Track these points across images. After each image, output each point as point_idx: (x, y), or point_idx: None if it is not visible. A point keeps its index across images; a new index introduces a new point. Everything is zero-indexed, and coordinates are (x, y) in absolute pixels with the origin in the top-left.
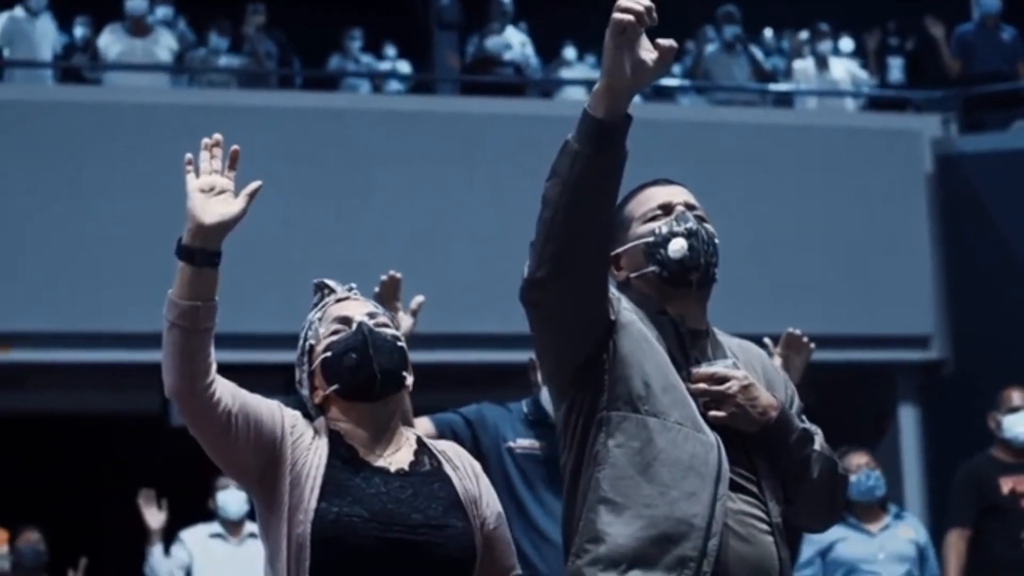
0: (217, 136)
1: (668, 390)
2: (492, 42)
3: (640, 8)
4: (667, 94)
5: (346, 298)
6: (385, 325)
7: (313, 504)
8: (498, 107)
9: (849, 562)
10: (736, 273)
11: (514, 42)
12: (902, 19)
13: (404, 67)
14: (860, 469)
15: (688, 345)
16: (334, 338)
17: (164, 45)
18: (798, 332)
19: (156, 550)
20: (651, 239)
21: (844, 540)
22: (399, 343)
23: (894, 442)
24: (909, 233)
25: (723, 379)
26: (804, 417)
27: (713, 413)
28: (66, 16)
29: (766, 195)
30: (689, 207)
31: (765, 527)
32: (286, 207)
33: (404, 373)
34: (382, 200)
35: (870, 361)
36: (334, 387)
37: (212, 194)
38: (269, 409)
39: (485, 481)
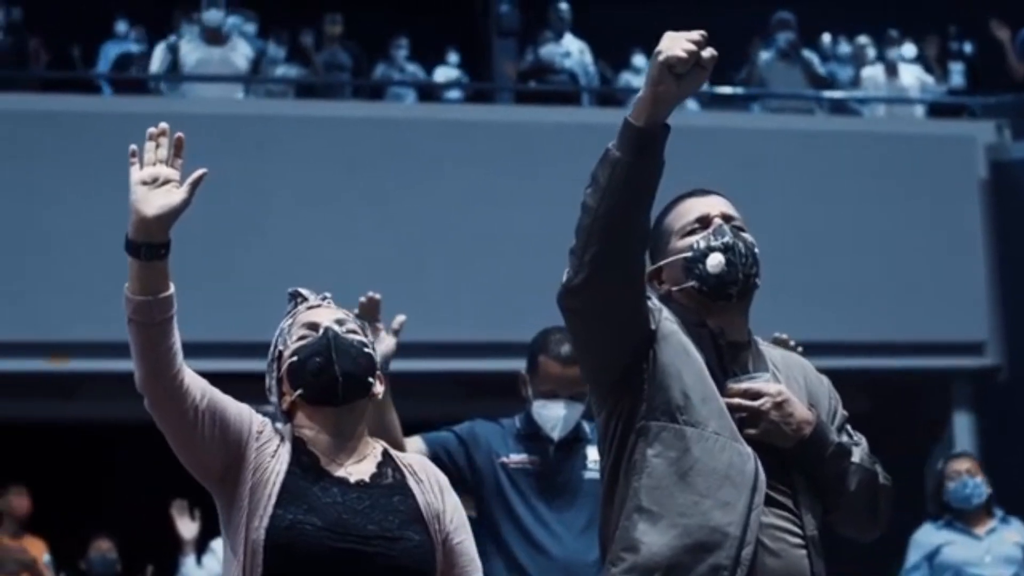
0: (163, 125)
1: (707, 401)
2: (547, 50)
3: (690, 50)
4: (722, 101)
5: (317, 306)
6: (354, 332)
7: (269, 510)
8: (552, 116)
9: (955, 565)
10: (790, 279)
11: (572, 50)
12: (963, 23)
13: (455, 74)
14: (960, 476)
15: (727, 358)
16: (301, 343)
17: (241, 53)
18: (784, 336)
19: (189, 560)
20: (689, 254)
21: (951, 544)
22: (366, 349)
23: (948, 448)
24: (963, 239)
25: (757, 395)
26: (848, 427)
27: (747, 430)
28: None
29: (819, 202)
30: (727, 218)
31: (798, 541)
32: (339, 216)
33: (370, 379)
34: (434, 209)
35: (924, 368)
36: (298, 392)
37: (155, 186)
38: (238, 411)
39: (451, 496)
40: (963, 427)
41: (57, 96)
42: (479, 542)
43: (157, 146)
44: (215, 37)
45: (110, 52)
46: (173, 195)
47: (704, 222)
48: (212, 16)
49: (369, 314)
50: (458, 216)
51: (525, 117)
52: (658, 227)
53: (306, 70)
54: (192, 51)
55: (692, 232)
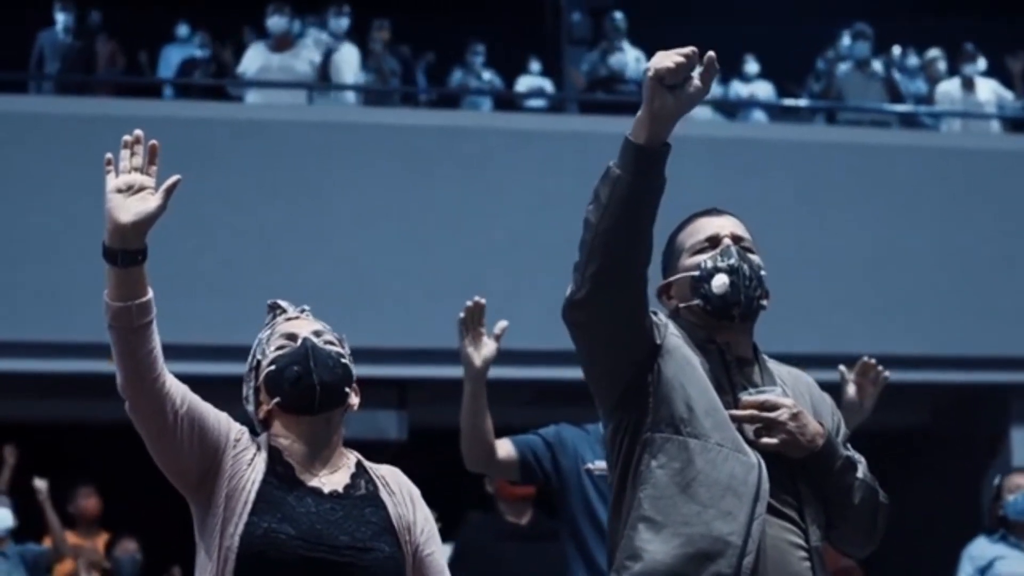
0: (138, 132)
1: (710, 413)
2: (615, 59)
3: (679, 61)
4: (795, 113)
5: (296, 317)
6: (331, 343)
7: (244, 518)
8: (620, 125)
9: None
10: (852, 292)
11: (629, 59)
12: None
13: (548, 84)
14: (1019, 489)
15: (734, 372)
16: (279, 353)
17: (305, 59)
18: (872, 360)
19: None
20: (696, 273)
21: (1003, 558)
22: (343, 360)
23: (1007, 463)
24: (1022, 252)
25: (773, 407)
26: (849, 445)
27: (764, 441)
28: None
29: (883, 215)
30: (736, 239)
31: (803, 553)
32: (402, 224)
33: (346, 389)
34: (501, 216)
35: (982, 382)
36: (276, 400)
37: (130, 193)
38: (217, 419)
39: (422, 508)
40: (1021, 442)
41: (123, 100)
42: (561, 544)
43: (132, 154)
44: (281, 43)
45: (171, 56)
46: (148, 202)
47: (714, 242)
48: (276, 22)
49: (473, 319)
50: (525, 224)
51: (592, 127)
52: (671, 243)
53: (374, 76)
54: (254, 58)
55: (701, 251)
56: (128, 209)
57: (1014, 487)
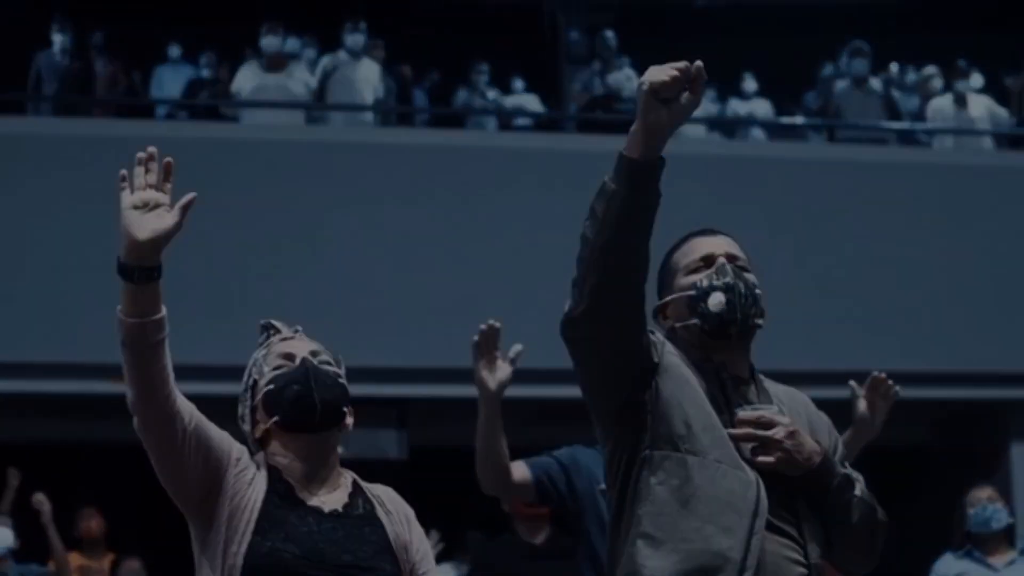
0: (151, 149)
1: (708, 430)
2: (613, 78)
3: (674, 74)
4: (792, 131)
5: (291, 337)
6: (327, 363)
7: (248, 537)
8: (617, 144)
9: None
10: (851, 308)
11: (620, 77)
12: None
13: (532, 101)
14: (980, 503)
15: (730, 391)
16: (277, 372)
17: (299, 79)
18: (883, 375)
19: None
20: (692, 292)
21: (967, 574)
22: (340, 379)
23: (1006, 480)
24: (1021, 269)
25: (769, 424)
26: (847, 464)
27: (761, 459)
28: (195, 53)
29: (881, 231)
30: (731, 258)
31: (801, 570)
32: (400, 242)
33: (344, 408)
34: (500, 235)
35: (982, 398)
36: (275, 419)
37: (146, 210)
38: (220, 438)
39: (417, 527)
40: (1020, 458)
41: (121, 121)
42: (577, 565)
43: (147, 171)
44: (275, 63)
45: (163, 76)
46: (165, 219)
47: (708, 261)
48: (270, 42)
49: (488, 343)
50: (523, 243)
51: (590, 146)
52: (666, 264)
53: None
54: (249, 77)
55: (696, 270)
56: (144, 226)
57: (976, 501)
